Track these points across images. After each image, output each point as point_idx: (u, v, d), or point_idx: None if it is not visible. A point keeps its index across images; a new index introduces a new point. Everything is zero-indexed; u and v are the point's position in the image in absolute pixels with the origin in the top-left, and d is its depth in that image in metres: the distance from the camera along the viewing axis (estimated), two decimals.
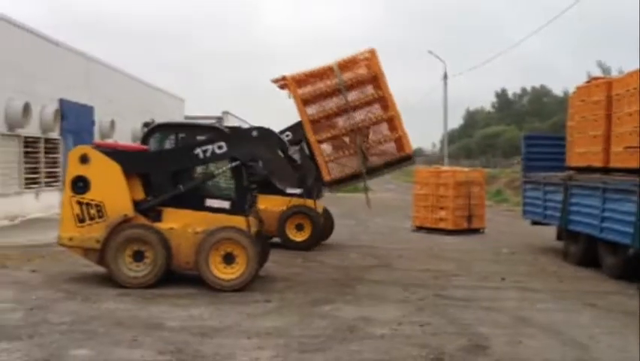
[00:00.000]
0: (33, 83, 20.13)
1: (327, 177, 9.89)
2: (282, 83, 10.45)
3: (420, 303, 9.26)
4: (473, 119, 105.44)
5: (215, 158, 9.96)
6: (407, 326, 7.93)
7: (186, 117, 41.02)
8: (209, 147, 9.87)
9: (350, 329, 7.75)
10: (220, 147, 9.85)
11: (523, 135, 19.08)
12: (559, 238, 14.34)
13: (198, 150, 9.88)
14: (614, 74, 52.27)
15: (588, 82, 13.96)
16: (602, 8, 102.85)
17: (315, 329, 7.72)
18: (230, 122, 39.33)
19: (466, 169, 21.16)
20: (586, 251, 12.64)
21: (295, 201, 14.09)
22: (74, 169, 9.90)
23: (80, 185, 9.83)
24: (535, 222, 15.71)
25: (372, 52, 10.06)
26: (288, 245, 14.02)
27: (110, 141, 11.26)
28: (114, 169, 9.89)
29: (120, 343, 6.96)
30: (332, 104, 10.00)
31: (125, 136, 29.13)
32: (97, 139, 25.14)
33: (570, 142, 13.99)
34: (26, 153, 19.77)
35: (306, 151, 10.89)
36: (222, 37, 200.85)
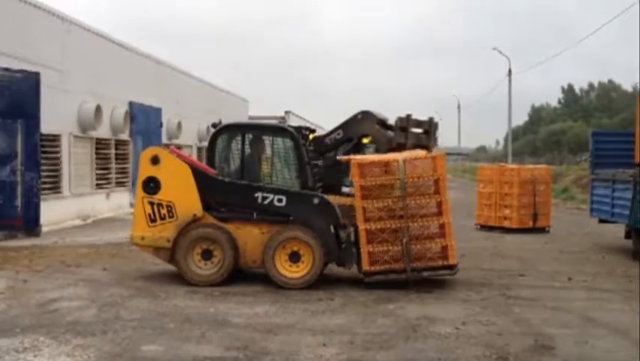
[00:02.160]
0: (104, 86, 20.82)
1: (366, 267, 9.94)
2: (347, 160, 10.64)
3: (484, 302, 9.19)
4: (538, 115, 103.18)
5: (272, 208, 10.14)
6: (471, 326, 7.90)
7: (250, 117, 41.61)
8: (271, 196, 10.11)
9: (414, 327, 7.77)
10: (280, 200, 10.09)
11: (592, 132, 18.64)
12: (627, 236, 13.97)
13: (259, 194, 10.11)
14: None
15: None
16: None
17: (378, 327, 7.78)
18: (293, 121, 39.67)
19: (531, 166, 20.80)
20: None
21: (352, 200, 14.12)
22: (146, 170, 10.22)
23: (151, 185, 10.14)
24: (602, 221, 15.34)
25: (440, 156, 10.19)
26: None
27: (176, 148, 11.49)
28: (184, 170, 10.18)
29: (189, 339, 7.17)
30: (389, 196, 9.95)
31: (191, 137, 29.81)
32: (164, 140, 25.84)
33: (639, 138, 13.60)
34: (97, 154, 20.48)
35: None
36: (284, 38, 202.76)
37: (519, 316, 8.48)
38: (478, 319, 8.24)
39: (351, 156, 10.54)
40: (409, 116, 12.97)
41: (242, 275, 10.33)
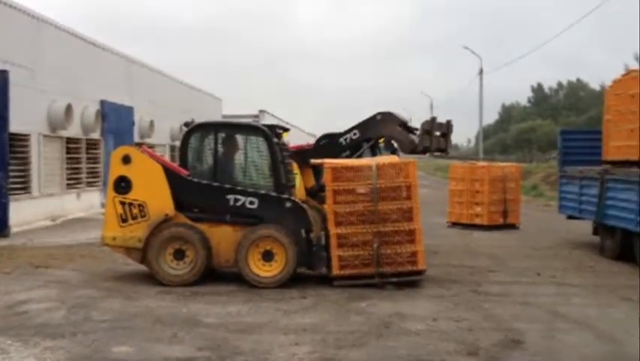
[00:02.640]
0: (75, 84, 20.59)
1: (336, 271, 9.89)
2: (319, 163, 10.71)
3: (455, 299, 9.29)
4: (509, 114, 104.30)
5: (243, 211, 10.08)
6: (443, 322, 7.99)
7: (224, 116, 41.47)
8: (243, 198, 10.06)
9: (386, 324, 7.83)
10: (252, 203, 10.04)
11: (560, 130, 18.92)
12: (595, 232, 14.21)
13: (231, 197, 10.07)
14: None
15: (624, 75, 13.78)
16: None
17: (351, 325, 7.83)
18: (267, 120, 39.64)
19: (501, 164, 21.05)
20: (622, 245, 12.53)
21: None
22: (117, 169, 10.14)
23: (123, 185, 10.06)
24: (571, 217, 15.58)
25: (412, 162, 10.22)
26: None
27: (148, 148, 11.50)
28: (156, 170, 10.13)
29: (160, 340, 7.15)
30: (361, 202, 9.94)
31: (164, 136, 29.63)
32: (136, 139, 25.64)
33: (606, 136, 13.83)
34: (68, 153, 20.22)
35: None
36: (259, 36, 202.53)
37: (489, 311, 8.60)
38: (449, 315, 8.34)
39: (325, 160, 10.55)
40: (434, 119, 13.16)
41: (214, 275, 10.30)
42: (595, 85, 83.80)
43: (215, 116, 37.77)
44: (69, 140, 20.19)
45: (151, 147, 24.00)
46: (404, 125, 12.97)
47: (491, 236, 16.75)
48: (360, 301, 9.04)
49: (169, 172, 10.22)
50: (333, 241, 9.89)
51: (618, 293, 9.73)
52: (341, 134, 13.08)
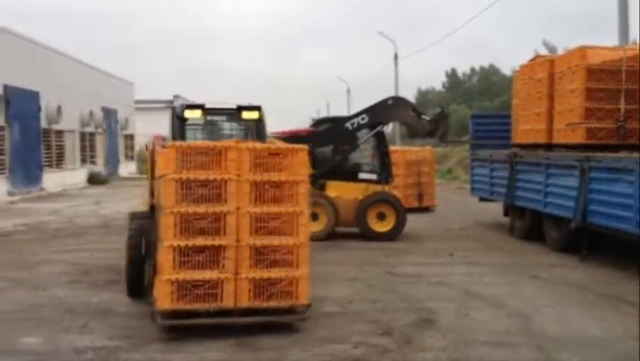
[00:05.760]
0: None
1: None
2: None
3: (371, 281, 9.39)
4: (425, 99, 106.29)
5: None
6: (358, 304, 8.06)
7: (137, 101, 40.55)
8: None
9: None
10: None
11: (471, 114, 19.40)
12: (505, 213, 14.66)
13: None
14: (560, 52, 53.09)
15: (531, 60, 14.22)
16: None
17: None
18: None
19: (415, 149, 21.41)
20: (531, 226, 12.98)
21: (373, 188, 13.32)
22: None
23: None
24: (483, 199, 16.03)
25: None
26: (368, 236, 13.09)
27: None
28: None
29: (70, 330, 6.93)
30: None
31: (73, 121, 28.67)
32: (43, 125, 24.76)
33: (515, 120, 14.27)
34: None
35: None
36: (168, 19, 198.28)
37: (404, 292, 8.74)
38: (364, 297, 8.43)
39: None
40: (443, 107, 13.95)
41: None
42: (507, 70, 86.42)
43: (126, 101, 36.97)
44: None
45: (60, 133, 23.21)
46: (415, 110, 13.14)
47: (407, 219, 16.99)
48: None
49: None
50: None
51: (527, 272, 10.07)
52: (347, 119, 12.95)
